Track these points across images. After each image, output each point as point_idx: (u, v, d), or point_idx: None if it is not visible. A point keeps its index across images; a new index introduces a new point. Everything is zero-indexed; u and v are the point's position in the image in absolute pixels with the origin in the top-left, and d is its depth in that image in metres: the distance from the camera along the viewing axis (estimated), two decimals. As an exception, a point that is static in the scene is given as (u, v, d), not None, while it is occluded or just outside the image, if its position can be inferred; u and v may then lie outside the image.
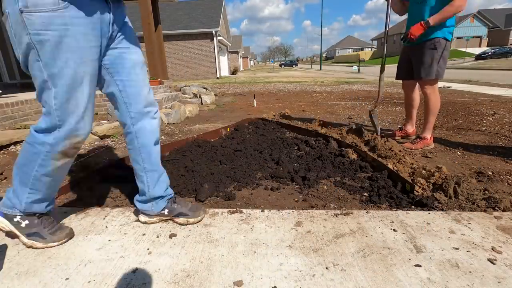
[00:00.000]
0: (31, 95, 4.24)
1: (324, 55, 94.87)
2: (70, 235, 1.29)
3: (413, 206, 1.56)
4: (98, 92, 4.13)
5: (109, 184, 1.98)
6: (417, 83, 2.65)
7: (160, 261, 1.14)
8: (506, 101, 5.24)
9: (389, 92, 7.44)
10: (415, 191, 1.66)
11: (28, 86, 5.99)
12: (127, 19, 1.25)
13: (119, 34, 1.19)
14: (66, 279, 1.05)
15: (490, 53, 30.77)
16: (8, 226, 1.21)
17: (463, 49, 36.96)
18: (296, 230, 1.32)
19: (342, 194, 1.76)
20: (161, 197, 1.38)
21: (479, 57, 31.03)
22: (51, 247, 1.22)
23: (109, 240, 1.28)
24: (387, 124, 3.73)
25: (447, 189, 1.62)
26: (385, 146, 2.46)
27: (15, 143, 2.95)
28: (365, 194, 1.74)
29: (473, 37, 46.59)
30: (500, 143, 2.74)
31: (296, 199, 1.72)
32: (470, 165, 2.19)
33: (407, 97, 2.86)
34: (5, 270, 1.10)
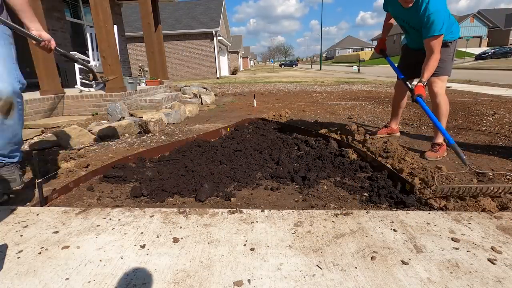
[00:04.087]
0: (31, 95, 4.24)
1: (324, 55, 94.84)
2: None
3: (413, 206, 1.56)
4: (98, 92, 4.09)
5: (109, 184, 1.98)
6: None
7: (160, 261, 1.14)
8: (506, 101, 5.24)
9: (390, 92, 7.44)
10: (415, 191, 1.66)
11: (28, 86, 5.98)
12: None
13: None
14: (66, 279, 1.05)
15: (490, 53, 30.78)
16: None
17: (463, 49, 36.91)
18: (296, 230, 1.32)
19: (342, 194, 1.76)
20: None
21: (479, 57, 31.04)
22: None
23: (109, 240, 1.28)
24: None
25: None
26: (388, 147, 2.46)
27: (15, 143, 2.95)
28: (365, 194, 1.74)
29: (473, 37, 46.56)
30: (500, 143, 2.74)
31: (296, 199, 1.72)
32: (470, 165, 2.19)
33: (399, 96, 2.93)
34: (5, 270, 1.10)
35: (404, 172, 1.99)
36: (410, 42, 2.67)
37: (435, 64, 2.22)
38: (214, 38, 17.80)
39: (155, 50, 6.29)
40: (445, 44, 2.31)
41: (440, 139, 2.50)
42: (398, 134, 3.09)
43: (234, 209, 1.51)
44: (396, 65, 2.83)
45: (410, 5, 2.20)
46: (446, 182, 1.85)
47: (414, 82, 2.43)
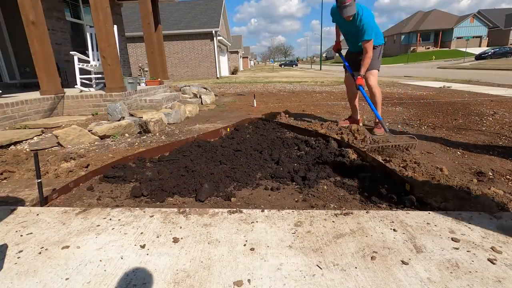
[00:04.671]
0: (31, 95, 4.24)
1: (324, 55, 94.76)
2: None
3: (413, 206, 1.56)
4: (98, 92, 4.11)
5: (109, 184, 1.98)
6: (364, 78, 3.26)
7: (160, 261, 1.14)
8: (506, 101, 5.24)
9: (389, 92, 7.44)
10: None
11: (28, 86, 5.99)
12: None
13: None
14: (66, 279, 1.05)
15: (490, 53, 30.78)
16: None
17: (463, 49, 36.92)
18: (296, 230, 1.32)
19: (342, 194, 1.76)
20: None
21: (479, 57, 31.03)
22: None
23: (109, 240, 1.28)
24: (387, 124, 3.73)
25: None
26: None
27: (15, 143, 2.95)
28: (365, 194, 1.74)
29: (473, 37, 46.58)
30: (500, 143, 2.74)
31: (296, 199, 1.72)
32: (470, 165, 2.19)
33: (351, 90, 3.59)
34: (5, 270, 1.10)
35: (396, 165, 1.99)
36: (350, 46, 3.42)
37: (369, 61, 3.04)
38: (214, 38, 17.80)
39: (155, 50, 6.28)
40: (373, 47, 3.09)
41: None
42: (361, 124, 3.58)
43: (234, 209, 1.51)
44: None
45: (350, 19, 2.99)
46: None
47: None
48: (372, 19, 2.97)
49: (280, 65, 71.09)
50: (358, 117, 3.65)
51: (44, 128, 3.50)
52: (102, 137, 3.19)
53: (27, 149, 2.80)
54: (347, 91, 3.68)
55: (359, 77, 3.09)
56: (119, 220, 1.44)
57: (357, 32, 3.02)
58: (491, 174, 1.98)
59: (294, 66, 62.00)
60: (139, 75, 8.49)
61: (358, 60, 3.14)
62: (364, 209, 1.55)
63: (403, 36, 52.14)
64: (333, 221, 1.39)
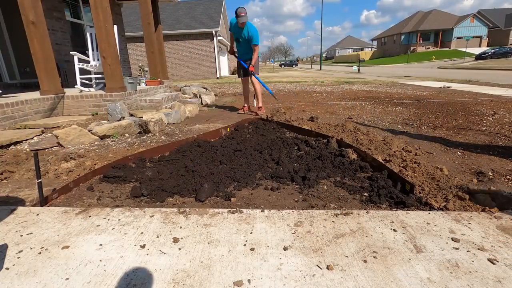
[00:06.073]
0: (31, 95, 4.24)
1: (324, 55, 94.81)
2: None
3: (413, 206, 1.56)
4: (98, 92, 4.09)
5: (109, 184, 1.98)
6: (249, 79, 4.67)
7: (160, 261, 1.14)
8: (506, 101, 5.24)
9: (389, 92, 7.44)
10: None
11: (28, 86, 5.99)
12: None
13: None
14: (66, 279, 1.05)
15: (490, 53, 30.77)
16: None
17: (463, 49, 36.91)
18: (296, 230, 1.32)
19: (342, 194, 1.76)
20: None
21: (479, 57, 31.02)
22: None
23: (109, 240, 1.28)
24: (387, 124, 3.73)
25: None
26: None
27: (15, 143, 2.95)
28: (365, 194, 1.74)
29: (473, 37, 46.56)
30: (500, 143, 2.74)
31: (296, 199, 1.72)
32: (470, 165, 2.19)
33: (247, 88, 4.95)
34: (5, 270, 1.10)
35: (396, 164, 1.99)
36: (241, 51, 4.59)
37: (256, 56, 4.43)
38: (214, 38, 17.79)
39: (155, 50, 6.28)
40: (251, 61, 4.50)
41: (261, 104, 4.67)
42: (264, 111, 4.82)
43: (234, 209, 1.51)
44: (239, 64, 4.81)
45: (243, 26, 4.26)
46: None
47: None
48: (257, 31, 4.32)
49: (280, 65, 71.03)
50: (248, 105, 4.94)
51: (44, 128, 3.49)
52: (102, 137, 3.19)
53: (27, 149, 2.80)
54: (243, 88, 4.99)
55: (250, 66, 4.44)
56: (119, 220, 1.44)
57: (249, 38, 4.31)
58: (491, 174, 1.98)
59: (294, 66, 61.96)
60: (139, 75, 8.49)
61: (246, 62, 4.57)
62: (364, 209, 1.55)
63: (403, 36, 52.13)
64: (333, 221, 1.39)
